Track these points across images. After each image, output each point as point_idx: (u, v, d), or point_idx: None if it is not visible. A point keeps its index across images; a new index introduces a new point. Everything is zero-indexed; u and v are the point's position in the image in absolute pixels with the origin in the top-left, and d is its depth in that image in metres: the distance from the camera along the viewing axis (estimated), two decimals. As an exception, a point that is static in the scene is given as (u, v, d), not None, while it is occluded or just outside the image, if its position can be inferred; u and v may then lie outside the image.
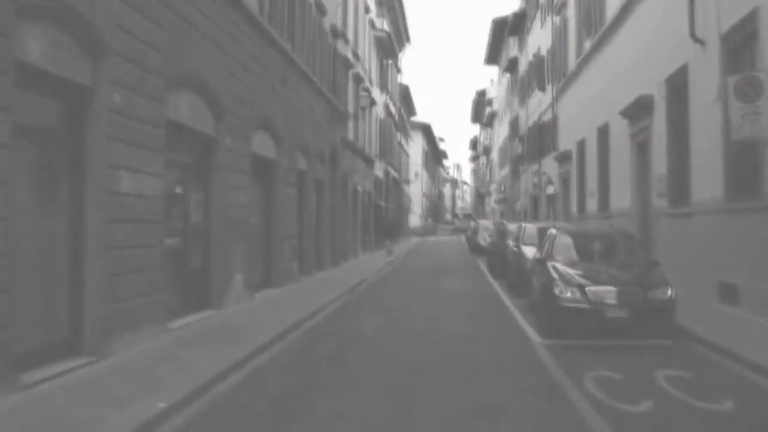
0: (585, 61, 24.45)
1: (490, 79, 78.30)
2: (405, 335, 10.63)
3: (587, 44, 23.97)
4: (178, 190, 11.43)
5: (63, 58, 7.66)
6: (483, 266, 26.61)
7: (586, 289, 9.77)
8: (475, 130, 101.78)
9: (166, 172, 10.05)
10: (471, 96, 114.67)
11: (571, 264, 10.84)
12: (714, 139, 12.22)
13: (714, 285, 12.14)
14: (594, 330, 9.79)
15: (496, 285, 18.72)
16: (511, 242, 18.97)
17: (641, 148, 17.54)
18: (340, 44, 25.94)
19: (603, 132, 21.68)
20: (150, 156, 9.36)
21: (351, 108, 28.64)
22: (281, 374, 8.05)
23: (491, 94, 74.54)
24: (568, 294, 9.81)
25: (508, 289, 17.40)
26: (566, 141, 28.44)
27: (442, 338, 10.25)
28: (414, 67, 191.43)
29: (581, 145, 25.33)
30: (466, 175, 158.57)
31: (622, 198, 19.38)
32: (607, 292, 9.70)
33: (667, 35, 14.83)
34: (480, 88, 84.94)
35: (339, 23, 25.66)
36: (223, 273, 12.63)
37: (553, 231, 12.47)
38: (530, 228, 17.29)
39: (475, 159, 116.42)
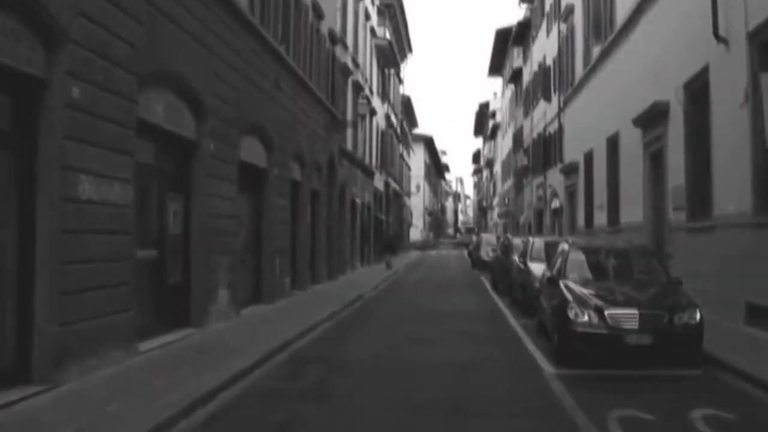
0: (593, 69, 23.53)
1: (494, 92, 77.67)
2: (401, 362, 9.54)
3: (596, 51, 23.04)
4: (154, 197, 10.43)
5: (10, 45, 6.68)
6: (486, 282, 25.56)
7: (605, 312, 8.71)
8: (478, 143, 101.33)
9: (139, 178, 9.06)
10: (473, 109, 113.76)
11: (586, 283, 9.80)
12: (740, 145, 11.19)
13: (740, 305, 11.06)
14: (613, 358, 8.73)
15: (500, 303, 17.66)
16: (516, 258, 17.94)
17: (655, 158, 16.53)
18: (338, 50, 25.01)
19: (613, 142, 20.70)
20: (117, 159, 8.35)
21: (350, 117, 27.67)
22: (257, 408, 6.98)
23: (494, 106, 73.71)
24: (585, 318, 8.75)
25: (513, 307, 16.36)
26: (573, 152, 27.50)
27: (443, 367, 9.14)
28: (416, 79, 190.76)
29: (589, 157, 24.36)
30: (469, 189, 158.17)
31: (633, 211, 18.36)
32: (628, 316, 8.63)
33: (685, 37, 13.85)
34: (483, 100, 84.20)
35: (337, 28, 24.75)
36: (205, 288, 11.60)
37: (564, 246, 11.40)
38: (538, 243, 16.25)
39: (477, 172, 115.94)
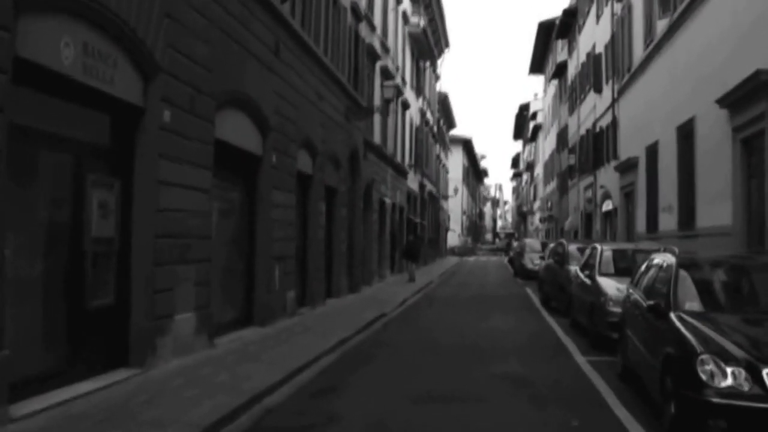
0: (657, 47, 19.98)
1: (534, 93, 74.34)
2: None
3: (661, 25, 19.51)
4: (65, 184, 7.21)
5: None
6: (532, 296, 21.96)
7: (764, 372, 5.21)
8: (517, 147, 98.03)
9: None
10: (512, 113, 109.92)
11: (717, 320, 6.24)
12: None
13: None
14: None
15: (555, 326, 14.04)
16: (576, 269, 14.45)
17: (750, 146, 12.95)
18: (363, 29, 21.69)
19: (685, 130, 17.14)
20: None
21: (376, 109, 24.27)
22: None
23: (535, 107, 70.23)
24: (728, 380, 5.24)
25: (574, 333, 12.82)
26: (630, 147, 23.99)
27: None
28: (453, 78, 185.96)
29: (652, 150, 20.78)
30: (507, 195, 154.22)
31: (717, 212, 14.71)
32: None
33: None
34: (523, 101, 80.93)
35: (362, 4, 21.44)
36: (154, 312, 8.30)
37: (667, 260, 7.72)
38: (608, 252, 12.64)
39: (516, 176, 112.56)
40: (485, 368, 9.46)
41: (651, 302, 6.93)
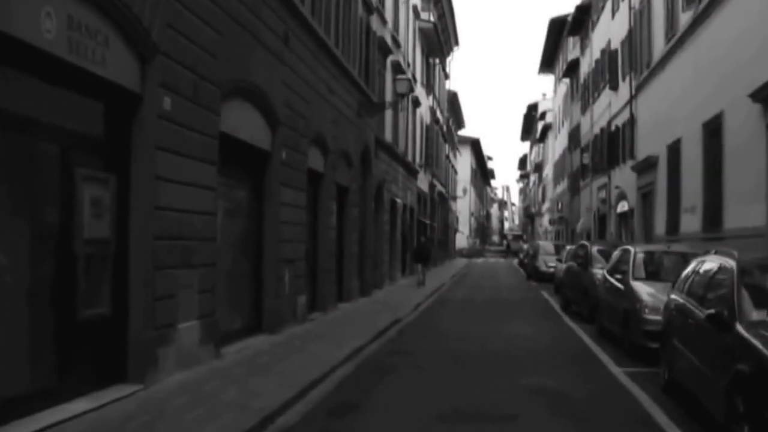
0: (680, 41, 19.23)
1: (542, 93, 73.42)
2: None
3: (684, 19, 18.75)
4: (53, 177, 6.47)
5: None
6: (550, 299, 21.20)
7: None
8: (524, 148, 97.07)
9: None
10: (520, 113, 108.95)
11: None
12: None
13: None
14: None
15: (581, 333, 13.22)
16: (600, 273, 13.67)
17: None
18: (374, 21, 20.94)
19: (712, 126, 16.39)
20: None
21: (388, 105, 23.48)
22: None
23: (544, 107, 69.31)
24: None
25: (602, 341, 12.03)
26: (649, 146, 23.21)
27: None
28: (461, 77, 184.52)
29: (674, 149, 19.99)
30: (514, 196, 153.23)
31: (747, 213, 13.92)
32: None
33: None
34: (531, 102, 79.94)
35: (374, -4, 20.71)
36: (155, 321, 7.56)
37: (723, 264, 6.86)
38: (642, 255, 11.81)
39: (523, 178, 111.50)
40: (513, 380, 8.68)
41: (711, 311, 6.12)
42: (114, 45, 6.96)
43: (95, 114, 7.05)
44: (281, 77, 11.75)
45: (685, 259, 11.12)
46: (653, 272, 11.34)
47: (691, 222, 18.09)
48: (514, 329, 13.95)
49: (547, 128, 66.63)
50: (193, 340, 8.39)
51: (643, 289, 10.32)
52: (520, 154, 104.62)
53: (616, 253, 12.92)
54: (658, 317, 9.43)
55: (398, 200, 27.30)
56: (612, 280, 12.01)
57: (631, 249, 11.91)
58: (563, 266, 20.71)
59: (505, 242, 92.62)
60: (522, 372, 9.28)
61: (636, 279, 10.85)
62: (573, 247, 23.56)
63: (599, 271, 14.72)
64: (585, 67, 39.46)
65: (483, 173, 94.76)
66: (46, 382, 6.29)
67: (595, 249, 16.51)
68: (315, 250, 14.95)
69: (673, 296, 8.25)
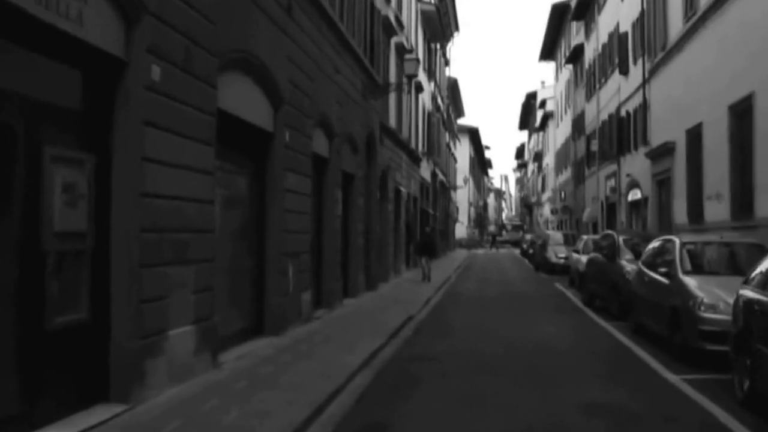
0: (702, 19, 18.09)
1: (541, 81, 72.04)
2: None
3: (705, -5, 17.67)
4: (19, 163, 5.25)
5: None
6: (566, 292, 20.06)
7: None
8: (522, 137, 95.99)
9: None
10: (516, 103, 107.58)
11: None
12: None
13: None
14: None
15: (616, 333, 11.94)
16: (630, 265, 12.54)
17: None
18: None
19: (741, 108, 15.32)
20: None
21: (393, 87, 22.23)
22: None
23: (543, 95, 68.08)
24: None
25: (640, 340, 10.88)
26: (665, 131, 22.11)
27: None
28: (461, 64, 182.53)
29: (694, 134, 18.89)
30: (512, 186, 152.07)
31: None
32: None
33: None
34: (529, 90, 78.84)
35: (377, -29, 19.45)
36: (142, 328, 6.37)
37: None
38: (691, 246, 10.54)
39: (521, 167, 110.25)
40: (560, 394, 7.49)
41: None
42: (93, 1, 5.76)
43: (70, 82, 5.86)
44: (285, 51, 10.52)
45: (742, 251, 10.01)
46: (702, 265, 10.17)
47: (717, 210, 17.02)
48: (538, 328, 12.78)
49: (547, 117, 65.39)
50: (187, 348, 7.21)
51: (696, 284, 9.13)
52: (518, 144, 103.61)
53: (654, 244, 11.71)
54: (717, 316, 8.40)
55: (402, 189, 26.11)
56: (651, 273, 10.80)
57: (675, 239, 10.69)
58: (580, 257, 19.54)
59: (504, 233, 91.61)
60: (563, 382, 8.11)
61: (686, 273, 9.65)
62: (589, 237, 22.46)
63: (628, 264, 13.59)
64: (590, 53, 38.27)
65: (481, 163, 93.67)
66: (9, 407, 5.10)
67: (620, 239, 15.32)
68: (320, 241, 13.78)
69: (746, 292, 7.10)
